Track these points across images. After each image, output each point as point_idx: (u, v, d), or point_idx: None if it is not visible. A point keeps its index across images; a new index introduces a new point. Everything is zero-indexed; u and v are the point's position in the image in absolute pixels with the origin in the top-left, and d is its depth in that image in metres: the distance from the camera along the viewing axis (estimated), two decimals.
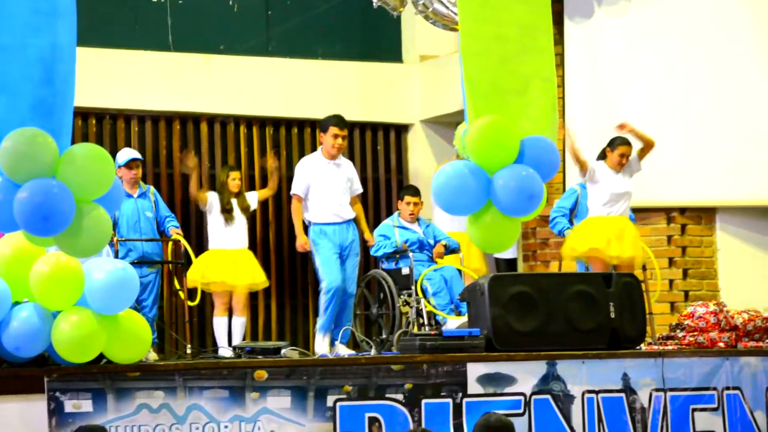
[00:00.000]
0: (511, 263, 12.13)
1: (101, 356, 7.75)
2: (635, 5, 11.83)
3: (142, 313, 9.20)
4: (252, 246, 11.06)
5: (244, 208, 10.89)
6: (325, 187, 10.54)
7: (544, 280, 9.42)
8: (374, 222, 11.79)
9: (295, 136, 12.49)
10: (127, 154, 10.52)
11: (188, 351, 9.96)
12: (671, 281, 11.72)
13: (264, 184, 11.82)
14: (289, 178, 11.01)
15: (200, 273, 10.55)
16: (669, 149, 11.12)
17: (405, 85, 12.94)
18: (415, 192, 11.18)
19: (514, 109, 8.17)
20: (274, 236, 12.27)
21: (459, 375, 8.57)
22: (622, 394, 9.05)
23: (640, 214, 11.22)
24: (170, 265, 10.51)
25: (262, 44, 12.51)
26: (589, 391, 8.93)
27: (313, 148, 11.86)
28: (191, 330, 10.72)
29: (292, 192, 10.64)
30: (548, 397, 8.80)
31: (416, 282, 10.38)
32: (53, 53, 7.34)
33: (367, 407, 8.33)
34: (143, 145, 11.82)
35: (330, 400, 8.23)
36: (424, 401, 8.46)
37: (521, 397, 8.71)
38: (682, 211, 11.83)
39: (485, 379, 8.65)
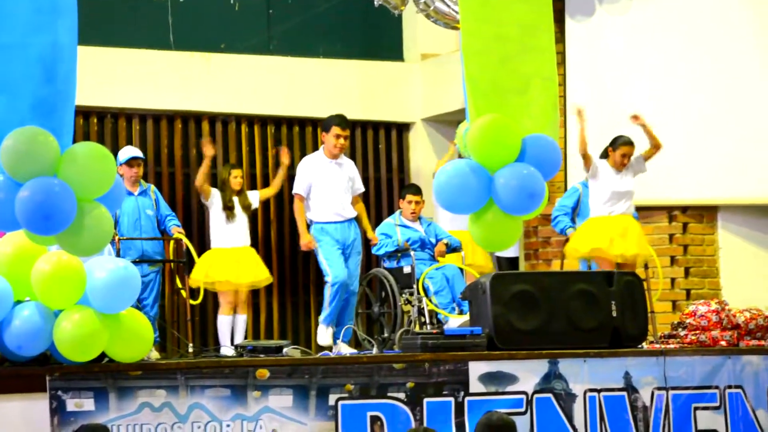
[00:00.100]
0: (513, 262, 12.12)
1: (103, 355, 7.74)
2: (636, 4, 11.83)
3: (143, 312, 9.19)
4: (254, 244, 11.04)
5: (246, 206, 10.89)
6: (327, 187, 10.53)
7: (546, 279, 9.40)
8: (376, 221, 11.78)
9: (296, 134, 12.48)
10: (128, 152, 10.54)
11: (190, 350, 9.96)
12: (673, 280, 11.72)
13: (265, 183, 11.81)
14: (290, 177, 11.01)
15: (204, 272, 10.55)
16: (670, 147, 11.10)
17: (406, 84, 12.92)
18: (417, 191, 11.17)
19: (515, 108, 8.16)
20: (276, 234, 12.26)
21: (461, 374, 8.55)
22: (624, 393, 9.03)
23: (641, 212, 11.20)
24: (172, 263, 10.52)
25: (263, 43, 12.50)
26: (591, 390, 8.90)
27: (315, 147, 11.85)
28: (193, 329, 10.73)
29: (294, 191, 10.62)
30: (550, 395, 8.78)
31: (418, 281, 10.38)
32: (54, 52, 7.32)
33: (368, 406, 8.32)
34: (144, 143, 11.83)
35: (332, 398, 8.21)
36: (425, 400, 8.45)
37: (523, 396, 8.70)
38: (684, 209, 11.83)
39: (487, 378, 8.63)
